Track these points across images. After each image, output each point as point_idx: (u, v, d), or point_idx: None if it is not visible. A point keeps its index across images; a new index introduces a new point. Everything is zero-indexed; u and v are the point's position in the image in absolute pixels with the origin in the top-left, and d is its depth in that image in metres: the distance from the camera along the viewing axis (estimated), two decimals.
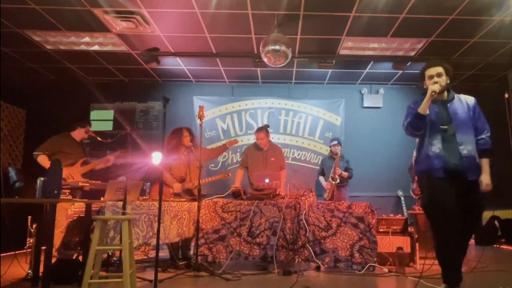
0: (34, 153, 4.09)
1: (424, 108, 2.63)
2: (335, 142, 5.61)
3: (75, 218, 3.82)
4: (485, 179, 2.58)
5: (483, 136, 2.68)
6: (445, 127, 2.67)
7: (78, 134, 4.35)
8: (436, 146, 2.65)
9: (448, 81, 2.72)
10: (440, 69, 2.69)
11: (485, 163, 2.64)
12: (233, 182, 4.83)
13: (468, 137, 2.65)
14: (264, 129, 4.73)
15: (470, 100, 2.77)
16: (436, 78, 2.68)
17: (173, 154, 4.36)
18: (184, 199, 4.11)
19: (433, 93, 2.59)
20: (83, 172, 4.21)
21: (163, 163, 4.30)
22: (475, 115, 2.70)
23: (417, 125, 2.70)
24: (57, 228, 3.94)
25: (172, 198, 4.10)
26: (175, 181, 4.34)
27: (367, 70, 6.21)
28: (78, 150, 4.31)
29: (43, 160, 4.03)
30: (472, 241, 5.98)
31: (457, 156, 2.61)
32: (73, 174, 4.07)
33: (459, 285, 2.52)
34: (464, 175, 2.58)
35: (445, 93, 2.75)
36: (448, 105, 2.72)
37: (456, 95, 2.78)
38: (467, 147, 2.61)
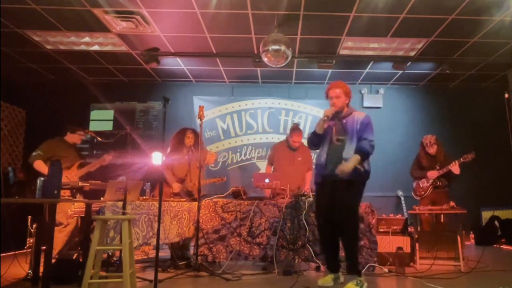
0: (30, 158, 4.07)
1: (319, 128, 3.12)
2: None
3: (75, 218, 3.82)
4: (342, 166, 2.95)
5: (363, 141, 3.05)
6: (341, 137, 3.11)
7: (71, 138, 4.31)
8: (323, 156, 3.13)
9: (347, 101, 3.18)
10: (338, 92, 3.13)
11: (353, 157, 2.99)
12: (231, 179, 4.80)
13: (352, 146, 3.06)
14: (301, 132, 4.70)
15: (361, 116, 3.18)
16: (334, 100, 3.14)
17: (176, 154, 4.38)
18: (184, 199, 4.12)
19: (325, 118, 3.08)
20: (81, 175, 4.18)
21: (165, 162, 4.33)
22: (361, 127, 3.09)
23: (313, 142, 3.24)
24: (61, 232, 3.94)
25: (172, 198, 4.10)
26: (175, 180, 4.35)
27: (367, 70, 6.21)
28: (73, 153, 4.26)
29: (39, 165, 3.98)
30: (472, 241, 5.99)
31: (337, 162, 3.01)
32: (70, 177, 4.04)
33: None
34: (336, 176, 2.97)
35: (346, 110, 3.18)
36: (344, 120, 3.16)
37: (353, 113, 3.19)
38: (348, 153, 3.03)
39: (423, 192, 4.68)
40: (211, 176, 4.94)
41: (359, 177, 3.04)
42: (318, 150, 3.28)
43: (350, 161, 2.96)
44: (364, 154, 3.03)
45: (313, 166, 4.76)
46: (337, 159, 3.04)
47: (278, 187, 3.98)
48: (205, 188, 4.72)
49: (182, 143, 4.42)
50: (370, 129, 3.11)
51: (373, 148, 3.07)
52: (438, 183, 4.59)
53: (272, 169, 4.76)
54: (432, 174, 4.61)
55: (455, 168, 4.42)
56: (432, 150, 4.64)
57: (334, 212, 3.01)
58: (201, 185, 3.83)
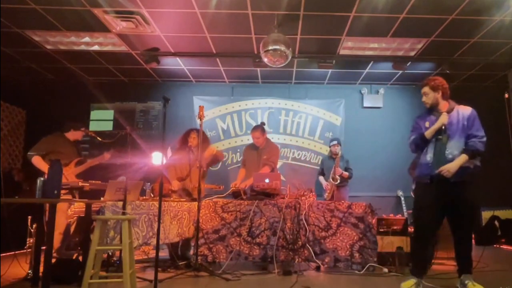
0: (28, 153, 4.07)
1: (430, 134, 2.97)
2: (335, 142, 5.61)
3: (75, 218, 3.82)
4: (448, 166, 2.85)
5: (473, 139, 2.90)
6: (440, 137, 2.96)
7: (72, 135, 4.30)
8: (428, 155, 3.00)
9: (439, 94, 3.03)
10: (424, 89, 3.08)
11: (460, 157, 2.86)
12: (231, 179, 4.82)
13: (457, 143, 2.92)
14: (259, 128, 4.66)
15: (466, 110, 3.03)
16: (424, 98, 3.10)
17: (179, 154, 4.40)
18: (184, 199, 4.12)
19: (442, 125, 2.93)
20: (78, 173, 4.18)
21: (167, 161, 4.33)
22: (469, 124, 2.94)
23: (421, 146, 3.06)
24: (56, 229, 3.93)
25: (172, 198, 4.10)
26: (175, 178, 4.36)
27: (367, 70, 6.21)
28: (72, 150, 4.26)
29: (37, 161, 3.98)
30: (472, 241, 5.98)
31: (443, 162, 2.89)
32: (67, 175, 4.03)
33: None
34: (447, 178, 2.86)
35: (443, 105, 3.05)
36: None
37: (456, 107, 3.05)
38: (453, 152, 2.90)
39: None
40: (212, 177, 4.95)
41: (470, 176, 2.89)
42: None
43: (456, 161, 2.84)
44: (473, 153, 2.87)
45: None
46: (442, 158, 2.92)
47: (278, 188, 3.98)
48: (205, 188, 4.72)
49: (185, 144, 4.46)
50: (478, 124, 2.95)
51: (485, 145, 2.89)
52: None
53: (245, 171, 4.76)
54: None
55: None
56: None
57: (442, 213, 2.99)
58: (200, 186, 3.83)
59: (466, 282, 2.86)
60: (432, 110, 3.10)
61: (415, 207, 3.15)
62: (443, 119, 2.94)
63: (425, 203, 3.00)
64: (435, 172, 2.89)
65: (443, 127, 2.95)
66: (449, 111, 3.02)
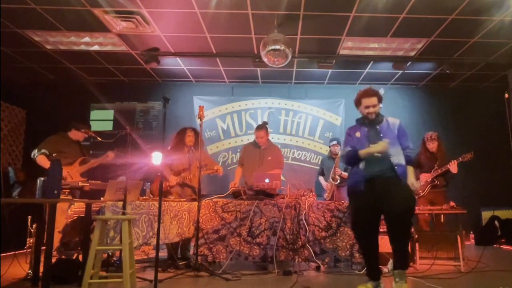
0: (33, 152, 4.08)
1: (364, 156, 2.97)
2: (335, 142, 5.60)
3: (75, 218, 3.82)
4: (410, 180, 2.97)
5: (408, 150, 3.06)
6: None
7: (74, 135, 4.32)
8: (361, 164, 3.01)
9: (380, 106, 3.07)
10: (374, 101, 3.01)
11: (410, 171, 3.02)
12: (231, 179, 4.81)
13: (398, 150, 3.00)
14: (264, 127, 4.65)
15: (396, 121, 3.13)
16: (372, 109, 3.01)
17: (176, 153, 4.39)
18: (184, 199, 4.11)
19: (377, 153, 2.91)
20: (82, 171, 4.20)
21: (164, 161, 4.32)
22: (399, 134, 3.06)
23: (353, 163, 3.09)
24: (55, 228, 3.93)
25: (172, 198, 4.10)
26: (171, 174, 4.36)
27: (367, 70, 6.21)
28: (76, 149, 4.29)
29: (42, 161, 4.00)
30: (472, 241, 5.99)
31: (385, 166, 2.92)
32: (71, 173, 4.06)
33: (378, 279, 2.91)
34: (397, 180, 2.89)
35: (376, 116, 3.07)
36: (378, 127, 3.06)
37: (384, 118, 3.12)
38: (397, 158, 2.96)
39: (420, 192, 4.66)
40: (211, 176, 4.93)
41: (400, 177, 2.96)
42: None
43: (410, 176, 2.99)
44: (413, 162, 3.09)
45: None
46: (382, 163, 2.91)
47: (279, 187, 3.98)
48: (205, 188, 4.72)
49: (182, 142, 4.44)
50: (408, 136, 3.13)
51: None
52: (437, 182, 4.58)
53: (242, 170, 4.74)
54: (425, 176, 4.61)
55: (453, 167, 4.42)
56: (433, 145, 4.62)
57: (377, 215, 2.93)
58: (199, 178, 3.82)
59: (397, 280, 2.79)
60: (364, 120, 3.11)
61: (353, 215, 3.08)
62: (383, 147, 2.88)
63: (362, 208, 2.94)
64: (368, 177, 2.93)
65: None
66: (380, 121, 3.08)
